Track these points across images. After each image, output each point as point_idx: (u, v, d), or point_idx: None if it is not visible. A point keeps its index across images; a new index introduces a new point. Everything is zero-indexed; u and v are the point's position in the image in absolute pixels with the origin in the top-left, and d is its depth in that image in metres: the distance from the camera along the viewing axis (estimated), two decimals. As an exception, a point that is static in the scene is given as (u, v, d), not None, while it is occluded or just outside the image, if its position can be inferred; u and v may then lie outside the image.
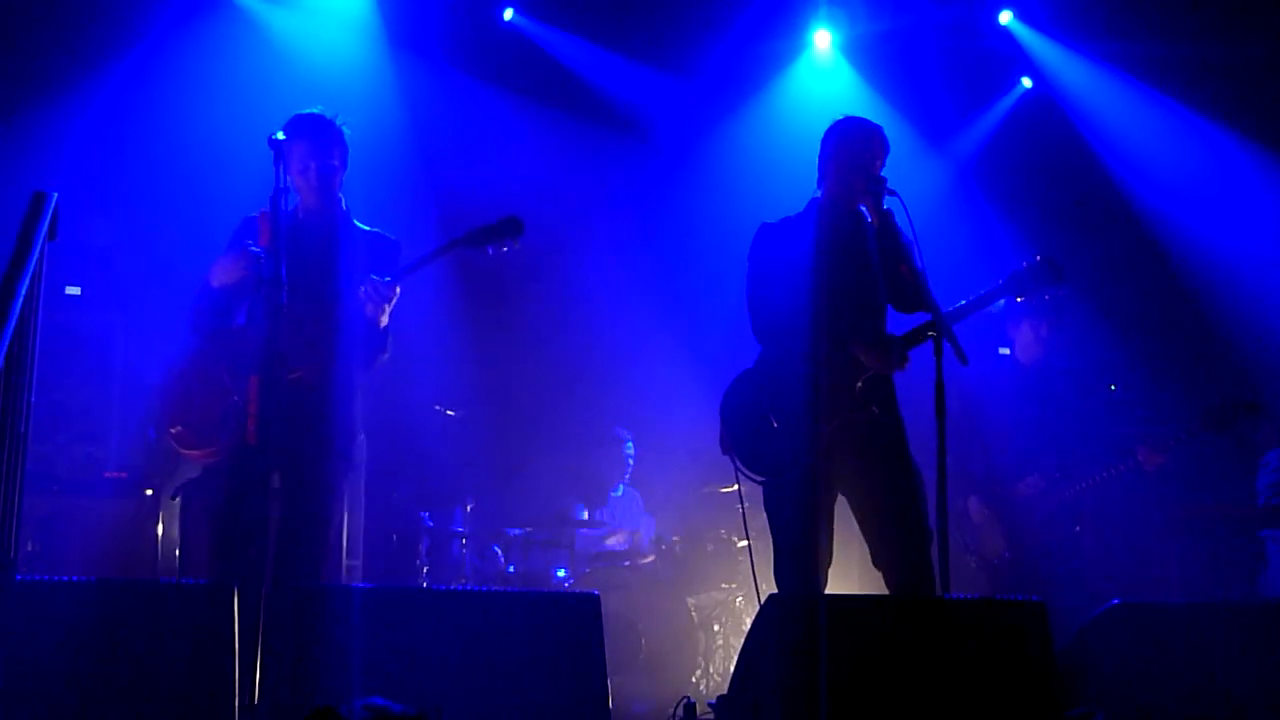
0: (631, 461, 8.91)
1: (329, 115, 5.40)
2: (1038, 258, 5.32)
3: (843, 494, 5.21)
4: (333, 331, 5.17)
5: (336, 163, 5.37)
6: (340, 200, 5.44)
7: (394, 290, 5.15)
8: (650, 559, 8.38)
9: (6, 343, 3.64)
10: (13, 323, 3.70)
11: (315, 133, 5.31)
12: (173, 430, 5.17)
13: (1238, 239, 8.75)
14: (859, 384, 5.14)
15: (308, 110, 5.38)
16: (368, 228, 5.49)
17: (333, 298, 5.19)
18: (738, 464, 5.28)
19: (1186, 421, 6.86)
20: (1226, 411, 6.76)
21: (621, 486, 8.89)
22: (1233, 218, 8.85)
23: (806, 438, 5.07)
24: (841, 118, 5.42)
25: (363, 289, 5.13)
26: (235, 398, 5.07)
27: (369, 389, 5.52)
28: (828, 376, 5.13)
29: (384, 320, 5.22)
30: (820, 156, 5.41)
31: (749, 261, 5.43)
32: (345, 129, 5.41)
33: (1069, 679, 4.61)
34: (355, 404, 5.31)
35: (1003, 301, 5.45)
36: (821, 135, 5.43)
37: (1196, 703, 4.76)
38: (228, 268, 5.23)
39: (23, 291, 3.80)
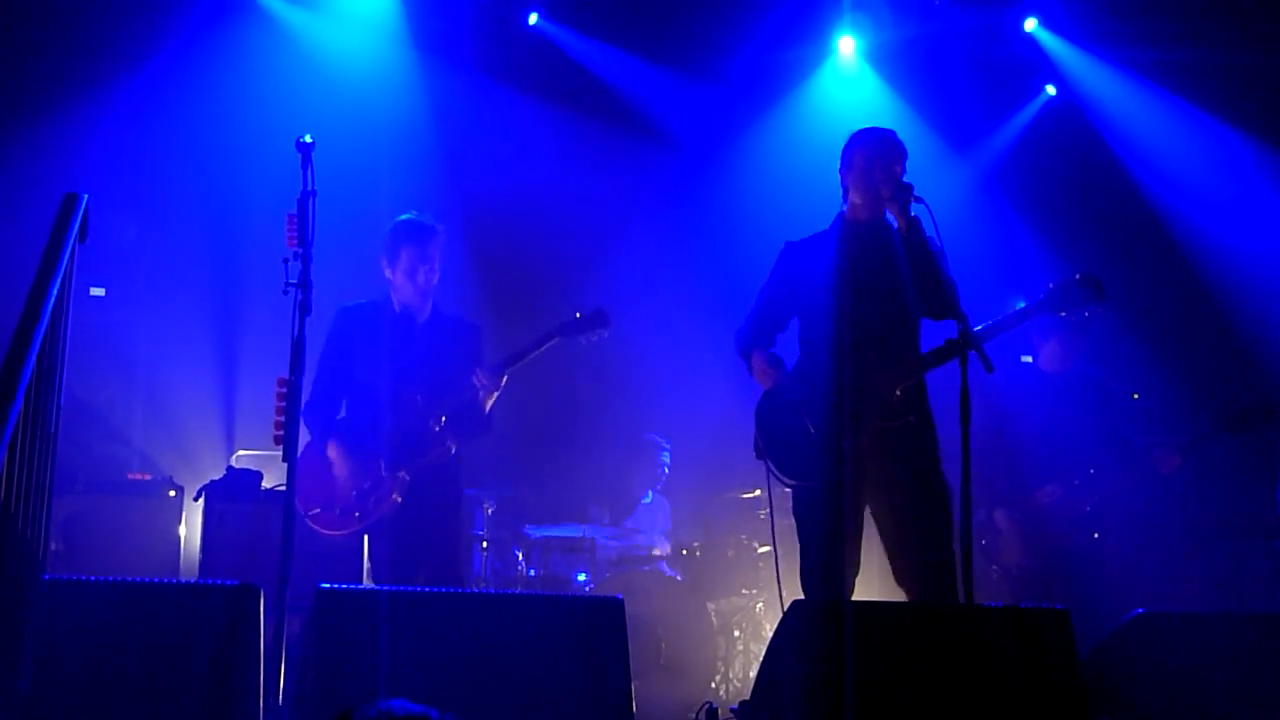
0: (666, 470, 8.90)
1: (430, 222, 5.94)
2: (1077, 275, 5.28)
3: (869, 505, 5.21)
4: (440, 421, 5.81)
5: (438, 266, 5.93)
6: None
7: (501, 380, 5.78)
8: (670, 564, 8.37)
9: (38, 344, 3.65)
10: (44, 324, 3.70)
11: (423, 240, 5.88)
12: (311, 514, 5.75)
13: (1263, 246, 8.72)
14: (897, 392, 5.14)
15: (411, 217, 5.94)
16: (452, 315, 6.10)
17: (441, 390, 5.80)
18: (772, 468, 5.28)
19: (1206, 426, 6.84)
20: (1245, 416, 6.74)
21: (651, 493, 8.87)
22: (1258, 225, 8.82)
23: (843, 444, 5.08)
24: (855, 131, 5.45)
25: (475, 378, 5.75)
26: (365, 482, 5.71)
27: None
28: (866, 385, 5.14)
29: (489, 405, 5.85)
30: (841, 171, 5.44)
31: (771, 277, 5.47)
32: (442, 233, 5.96)
33: (1093, 688, 4.59)
34: (462, 476, 6.07)
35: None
36: (844, 143, 5.46)
37: (1221, 713, 4.74)
38: None
39: (54, 293, 3.81)
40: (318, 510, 5.75)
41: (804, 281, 5.36)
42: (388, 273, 5.91)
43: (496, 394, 5.82)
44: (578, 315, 5.90)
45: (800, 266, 5.40)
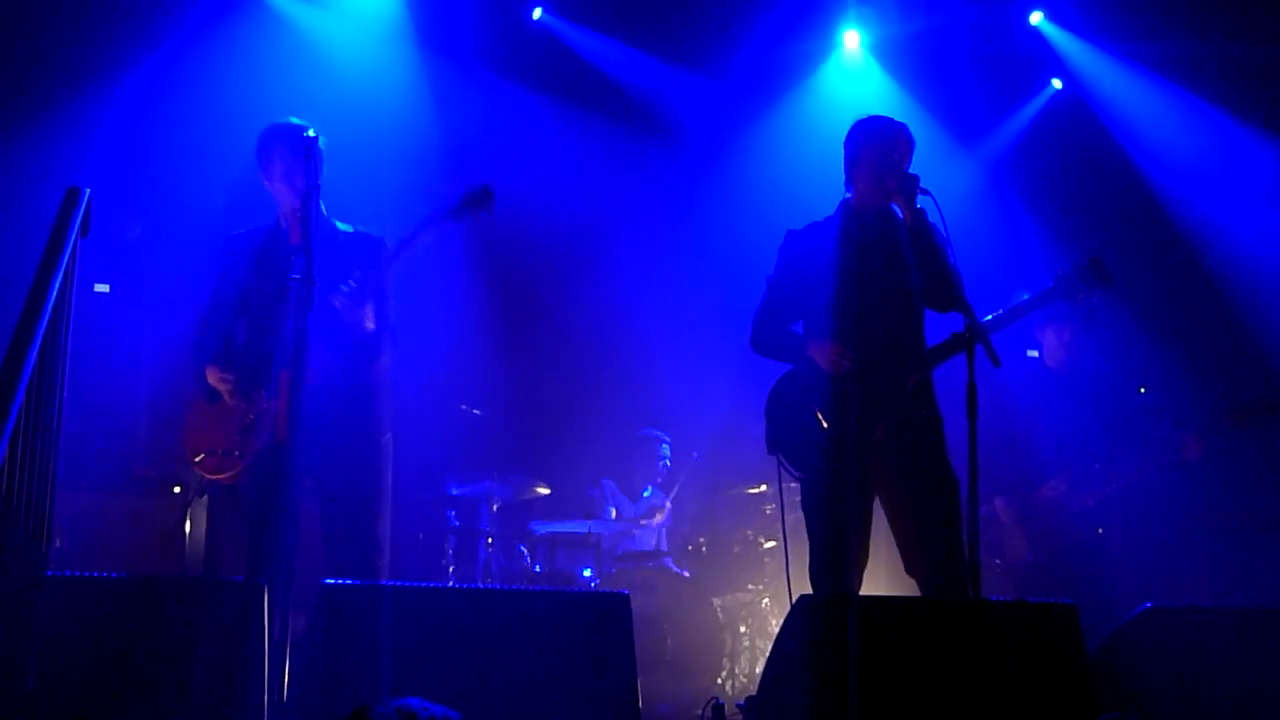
0: (667, 464, 8.88)
1: (303, 124, 5.35)
2: (1085, 260, 5.25)
3: (879, 497, 5.19)
4: (316, 341, 5.04)
5: (321, 170, 5.27)
6: (319, 206, 5.36)
7: (364, 290, 5.19)
8: (676, 560, 8.36)
9: (39, 339, 3.65)
10: (45, 319, 3.70)
11: (294, 139, 5.25)
12: (196, 460, 5.25)
13: (1271, 241, 8.69)
14: (910, 384, 5.12)
15: (284, 120, 5.39)
16: (349, 228, 5.51)
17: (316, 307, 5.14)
18: (784, 462, 5.25)
19: (1210, 420, 6.82)
20: (1248, 407, 6.72)
21: (650, 488, 8.86)
22: (1265, 219, 8.79)
23: (856, 437, 5.06)
24: (863, 117, 5.41)
25: (336, 299, 5.14)
26: (249, 416, 5.16)
27: (392, 388, 5.51)
28: (879, 378, 5.12)
29: (369, 323, 5.28)
30: (846, 158, 5.39)
31: (776, 267, 5.43)
32: (321, 138, 5.29)
33: (1101, 682, 4.58)
34: (366, 406, 5.32)
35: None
36: (848, 130, 5.42)
37: (1229, 708, 4.72)
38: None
39: (56, 287, 3.81)
40: (202, 455, 5.25)
41: (809, 270, 5.32)
42: (266, 184, 5.40)
43: (368, 309, 5.26)
44: (460, 198, 5.33)
45: (805, 255, 5.36)
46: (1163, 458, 6.78)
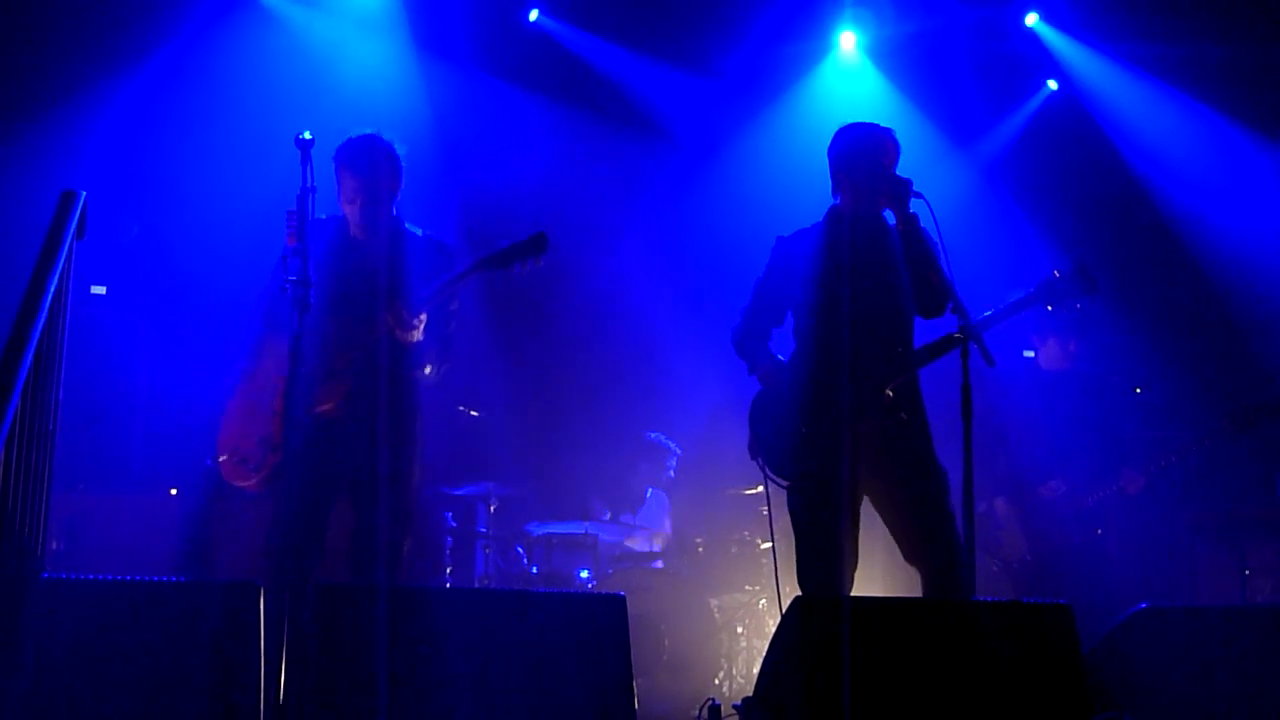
0: (672, 474, 8.89)
1: (375, 135, 5.41)
2: (1069, 266, 5.25)
3: (868, 497, 5.20)
4: (380, 357, 5.17)
5: (383, 188, 5.36)
6: (391, 211, 5.42)
7: (413, 317, 5.13)
8: (673, 561, 8.36)
9: (35, 340, 3.65)
10: (42, 320, 3.71)
11: (358, 160, 5.33)
12: (221, 459, 5.22)
13: (1265, 241, 8.70)
14: (889, 392, 5.12)
15: (357, 133, 5.41)
16: (420, 231, 5.48)
17: (380, 324, 5.19)
18: (765, 469, 5.26)
19: (1210, 425, 6.82)
20: (1249, 414, 6.73)
21: (650, 490, 8.86)
22: (1259, 220, 8.81)
23: (834, 442, 5.06)
24: (846, 125, 5.40)
25: (397, 328, 5.13)
26: (272, 429, 5.10)
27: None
28: (856, 382, 5.12)
29: (416, 336, 5.21)
30: (832, 165, 5.38)
31: (764, 271, 5.43)
32: (397, 146, 5.42)
33: (1097, 682, 4.58)
34: (411, 423, 5.32)
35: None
36: (833, 137, 5.42)
37: (1226, 708, 4.73)
38: None
39: (52, 289, 3.81)
40: (225, 458, 5.23)
41: (797, 276, 5.33)
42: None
43: (418, 329, 5.17)
44: (514, 244, 5.28)
45: (793, 261, 5.37)
46: (1105, 490, 6.80)
